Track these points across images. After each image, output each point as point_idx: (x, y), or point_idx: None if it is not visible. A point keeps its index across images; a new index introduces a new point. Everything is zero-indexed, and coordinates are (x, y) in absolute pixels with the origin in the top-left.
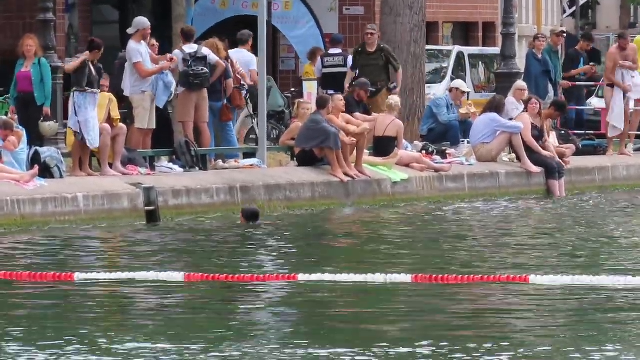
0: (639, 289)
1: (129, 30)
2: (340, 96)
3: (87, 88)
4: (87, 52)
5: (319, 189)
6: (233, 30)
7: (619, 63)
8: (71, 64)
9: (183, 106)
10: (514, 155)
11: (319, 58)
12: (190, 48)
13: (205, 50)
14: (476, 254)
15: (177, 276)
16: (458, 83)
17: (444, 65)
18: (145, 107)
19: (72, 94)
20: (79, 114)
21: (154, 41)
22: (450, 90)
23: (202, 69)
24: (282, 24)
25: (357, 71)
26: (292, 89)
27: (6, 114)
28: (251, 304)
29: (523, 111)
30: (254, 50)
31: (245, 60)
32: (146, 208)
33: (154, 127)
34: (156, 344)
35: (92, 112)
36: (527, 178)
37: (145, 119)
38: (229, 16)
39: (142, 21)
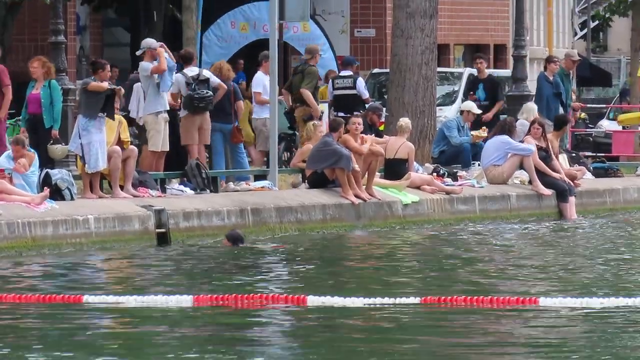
0: None
1: (138, 52)
2: (359, 119)
3: (100, 113)
4: (119, 88)
5: (330, 211)
6: (256, 53)
7: None
8: (93, 84)
9: (186, 130)
10: (525, 178)
11: (330, 80)
12: (192, 71)
13: (207, 73)
14: (486, 276)
15: (186, 299)
16: (469, 105)
17: (455, 87)
18: (159, 130)
19: (78, 116)
20: (82, 137)
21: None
22: (462, 112)
23: (207, 92)
24: (302, 47)
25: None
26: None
27: None
28: (261, 327)
29: (527, 134)
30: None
31: (254, 83)
32: (157, 230)
33: (167, 149)
34: None
35: (96, 136)
36: (538, 200)
37: (159, 142)
38: (252, 40)
39: (149, 42)
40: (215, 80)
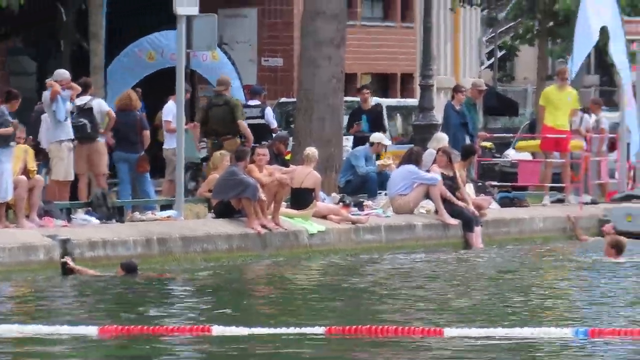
0: (554, 340)
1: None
2: (265, 150)
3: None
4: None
5: (236, 241)
6: (162, 81)
7: None
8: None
9: (75, 159)
10: (431, 207)
11: None
12: (81, 100)
13: (96, 102)
14: (392, 306)
15: (92, 330)
16: (379, 137)
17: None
18: (62, 157)
19: None
20: None
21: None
22: (372, 144)
23: (80, 121)
24: (211, 76)
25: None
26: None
27: None
28: (166, 356)
29: (433, 163)
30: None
31: (165, 111)
32: (62, 260)
33: (72, 179)
34: None
35: (6, 165)
36: (444, 230)
37: (62, 170)
38: (158, 68)
39: (61, 72)
40: (104, 108)
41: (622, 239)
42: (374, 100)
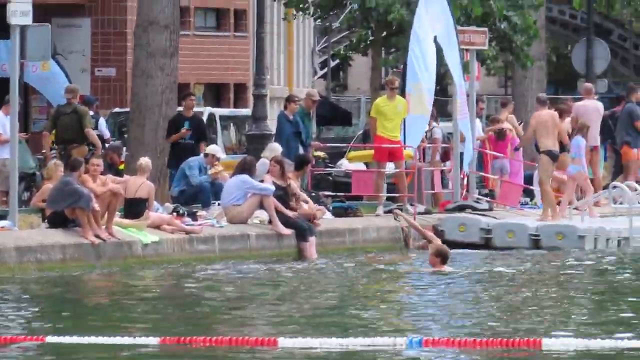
0: (388, 350)
1: None
2: (99, 160)
3: None
4: None
5: (70, 251)
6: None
7: None
8: None
9: None
10: (265, 217)
11: None
12: None
13: None
14: (224, 316)
15: None
16: (213, 149)
17: None
18: None
19: None
20: None
21: None
22: (206, 155)
23: None
24: (42, 86)
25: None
26: (44, 151)
27: None
28: None
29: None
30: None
31: None
32: None
33: None
34: None
35: None
36: (277, 240)
37: None
38: None
39: None
40: None
41: (445, 247)
42: (207, 110)
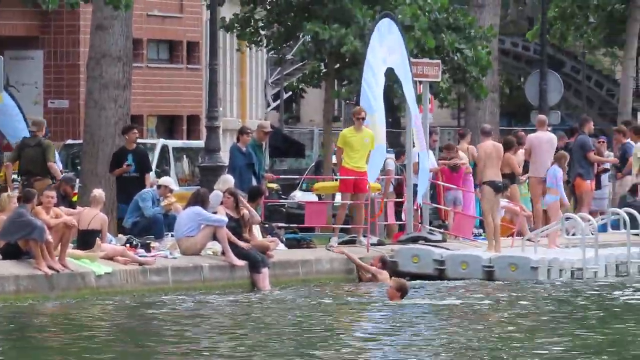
0: None
1: None
2: (52, 192)
3: None
4: None
5: (24, 282)
6: None
7: None
8: None
9: None
10: (218, 249)
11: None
12: None
13: None
14: (178, 348)
15: None
16: (166, 180)
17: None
18: None
19: None
20: None
21: None
22: (159, 186)
23: None
24: None
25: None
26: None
27: None
28: None
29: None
30: None
31: None
32: None
33: None
34: None
35: None
36: (230, 271)
37: None
38: None
39: None
40: None
41: (405, 282)
42: (160, 142)
